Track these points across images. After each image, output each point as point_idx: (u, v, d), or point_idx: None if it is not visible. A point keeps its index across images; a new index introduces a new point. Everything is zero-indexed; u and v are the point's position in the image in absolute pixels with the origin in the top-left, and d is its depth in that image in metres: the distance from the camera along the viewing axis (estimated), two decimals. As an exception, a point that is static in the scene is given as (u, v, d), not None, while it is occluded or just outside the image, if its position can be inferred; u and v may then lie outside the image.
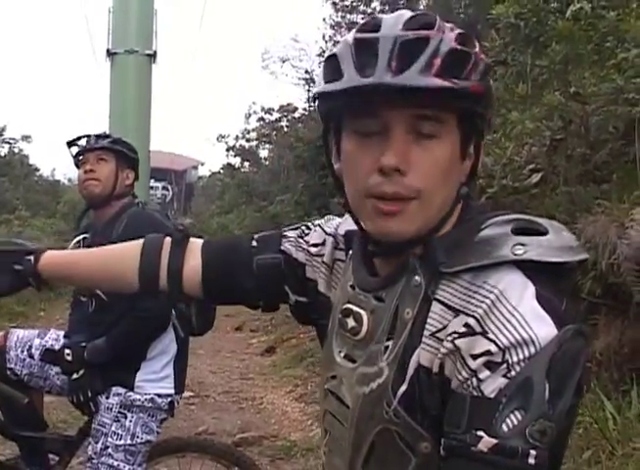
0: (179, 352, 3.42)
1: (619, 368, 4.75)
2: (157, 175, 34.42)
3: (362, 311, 1.23)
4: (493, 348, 1.02)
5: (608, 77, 5.81)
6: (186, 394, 3.55)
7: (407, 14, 1.18)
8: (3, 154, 28.35)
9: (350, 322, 1.25)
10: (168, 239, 1.59)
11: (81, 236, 3.52)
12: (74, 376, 3.17)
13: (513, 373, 1.01)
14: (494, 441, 0.99)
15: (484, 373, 1.02)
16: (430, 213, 1.16)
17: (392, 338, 1.17)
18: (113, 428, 3.18)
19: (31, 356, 3.41)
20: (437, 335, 1.11)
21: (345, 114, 1.19)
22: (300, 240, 1.50)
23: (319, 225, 1.51)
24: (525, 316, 1.03)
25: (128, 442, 3.19)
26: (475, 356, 1.04)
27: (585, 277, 4.90)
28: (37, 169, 32.24)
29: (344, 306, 1.27)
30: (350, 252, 1.38)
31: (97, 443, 3.19)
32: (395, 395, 1.14)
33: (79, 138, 3.49)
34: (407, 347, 1.14)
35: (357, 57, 1.14)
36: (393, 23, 1.15)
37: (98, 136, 3.46)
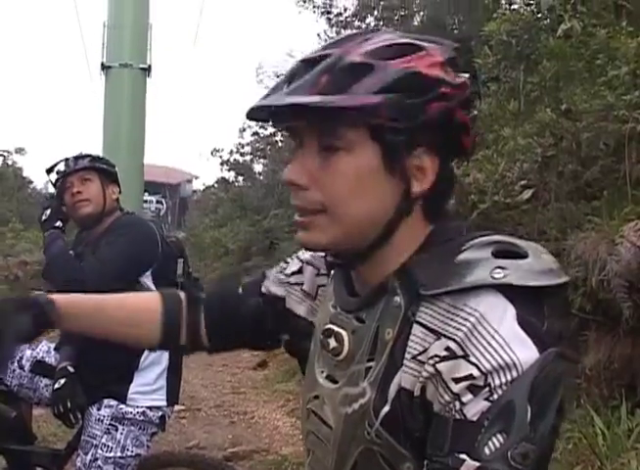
0: (172, 363, 3.41)
1: (609, 384, 4.76)
2: (151, 189, 34.48)
3: (343, 332, 1.24)
4: (475, 372, 1.03)
5: (599, 94, 5.84)
6: (177, 407, 3.54)
7: (351, 34, 1.21)
8: (-3, 166, 28.30)
9: (332, 342, 1.25)
10: (183, 295, 1.62)
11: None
12: (56, 386, 3.13)
13: (495, 396, 1.01)
14: (477, 464, 0.99)
15: (467, 396, 1.03)
16: (344, 227, 1.17)
17: (374, 359, 1.17)
18: (103, 440, 3.17)
19: (22, 368, 3.40)
20: (419, 358, 1.11)
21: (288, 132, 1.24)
22: (280, 274, 1.53)
23: (295, 255, 1.54)
24: (506, 339, 1.03)
25: (118, 454, 3.18)
26: (457, 380, 1.04)
27: (576, 293, 4.92)
28: (31, 182, 32.21)
29: (326, 327, 1.28)
30: (332, 272, 1.39)
31: (86, 454, 3.17)
32: (377, 415, 1.14)
33: (56, 164, 3.45)
34: (388, 368, 1.15)
35: (280, 79, 1.19)
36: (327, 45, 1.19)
37: (76, 157, 3.44)
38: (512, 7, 9.44)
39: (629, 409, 4.44)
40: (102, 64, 9.05)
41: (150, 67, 9.12)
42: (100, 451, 3.16)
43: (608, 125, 5.68)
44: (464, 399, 1.03)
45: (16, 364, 3.40)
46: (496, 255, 1.11)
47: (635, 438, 4.20)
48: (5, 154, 28.25)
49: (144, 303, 1.62)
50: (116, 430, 3.19)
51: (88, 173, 3.38)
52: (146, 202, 37.01)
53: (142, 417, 3.24)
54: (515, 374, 1.01)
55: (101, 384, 3.19)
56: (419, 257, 1.19)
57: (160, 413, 3.31)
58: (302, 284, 1.48)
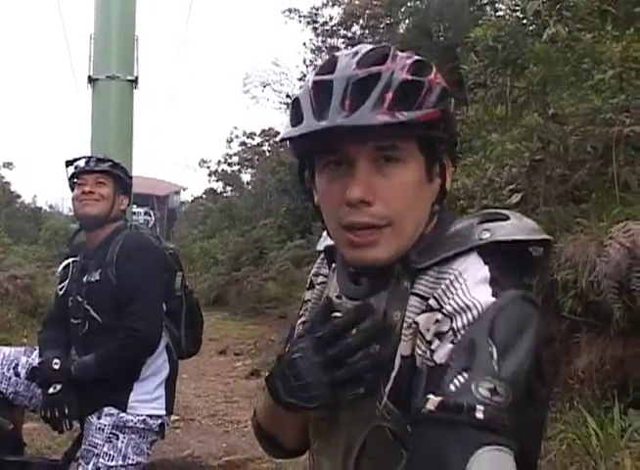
0: (171, 374, 3.44)
1: (601, 385, 4.78)
2: (139, 201, 34.32)
3: None
4: (440, 316, 1.10)
5: (585, 98, 5.89)
6: (171, 417, 3.55)
7: (363, 50, 1.24)
8: (-16, 181, 28.25)
9: None
10: None
11: (70, 259, 3.53)
12: (51, 390, 3.15)
13: (458, 337, 1.06)
14: (440, 398, 1.00)
15: (436, 343, 1.09)
16: (404, 237, 1.22)
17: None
18: (104, 449, 3.18)
19: (17, 375, 3.41)
20: (414, 326, 1.17)
21: (314, 152, 1.26)
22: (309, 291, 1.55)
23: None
24: (469, 287, 1.11)
25: (120, 463, 3.18)
26: (429, 329, 1.11)
27: (566, 296, 4.95)
28: (19, 196, 32.19)
29: (333, 315, 1.28)
30: (334, 264, 1.44)
31: (88, 464, 3.17)
32: (385, 390, 1.18)
33: (77, 159, 3.51)
34: (394, 346, 1.20)
35: (315, 100, 1.20)
36: (347, 62, 1.21)
37: (99, 159, 3.49)
38: (497, 13, 9.52)
39: (622, 410, 4.46)
40: (89, 76, 8.98)
41: (137, 78, 9.05)
42: (102, 460, 3.16)
43: (595, 129, 5.73)
44: (433, 346, 1.09)
45: (12, 371, 3.40)
46: (482, 222, 1.22)
47: (628, 437, 4.22)
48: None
49: None
50: (117, 438, 3.19)
51: (104, 177, 3.42)
52: (134, 213, 36.85)
53: (142, 425, 3.25)
54: (475, 314, 1.07)
55: (101, 392, 3.20)
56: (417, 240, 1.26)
57: (160, 421, 3.33)
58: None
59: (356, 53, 1.23)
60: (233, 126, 41.83)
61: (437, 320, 1.09)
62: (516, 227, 1.20)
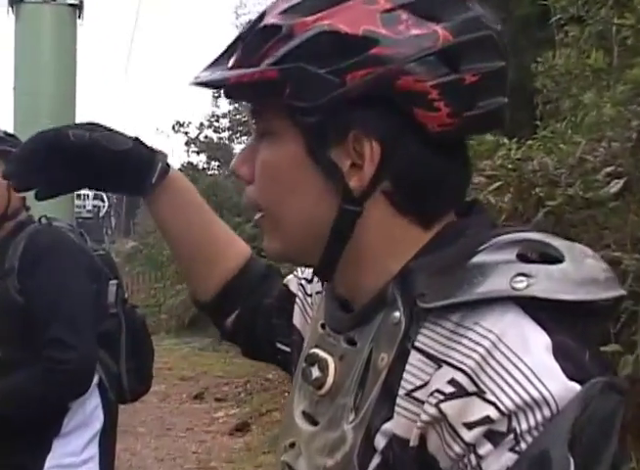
0: (107, 426, 3.44)
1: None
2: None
3: (329, 358, 1.30)
4: (494, 412, 1.04)
5: None
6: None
7: None
8: None
9: (315, 372, 1.31)
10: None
11: None
12: None
13: (523, 445, 1.02)
14: None
15: (485, 447, 1.04)
16: (283, 231, 1.32)
17: (362, 394, 1.22)
18: None
19: None
20: (415, 394, 1.15)
21: None
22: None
23: None
24: (533, 369, 1.05)
25: None
26: (470, 425, 1.05)
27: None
28: None
29: (310, 351, 1.35)
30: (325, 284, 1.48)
31: None
32: None
33: None
34: (378, 407, 1.19)
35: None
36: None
37: None
38: None
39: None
40: (9, -6, 8.82)
41: (81, 3, 8.99)
42: None
43: None
44: (481, 451, 1.04)
45: None
46: (521, 257, 1.15)
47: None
48: None
49: (236, 243, 1.87)
50: None
51: None
52: (79, 197, 36.49)
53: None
54: (548, 414, 1.02)
55: (2, 454, 3.19)
56: (421, 260, 1.25)
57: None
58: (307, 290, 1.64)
59: None
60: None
61: (490, 418, 1.04)
62: (568, 278, 1.12)
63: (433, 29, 1.19)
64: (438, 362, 1.12)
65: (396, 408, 1.16)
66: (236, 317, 1.76)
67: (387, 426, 1.17)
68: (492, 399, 1.04)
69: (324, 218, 1.27)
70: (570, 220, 6.17)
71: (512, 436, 1.03)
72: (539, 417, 1.02)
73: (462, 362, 1.09)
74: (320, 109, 1.21)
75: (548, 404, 1.02)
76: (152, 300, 20.49)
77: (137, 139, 1.65)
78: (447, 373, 1.10)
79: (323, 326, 1.38)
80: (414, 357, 1.16)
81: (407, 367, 1.17)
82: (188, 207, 1.75)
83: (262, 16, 1.26)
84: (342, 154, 1.24)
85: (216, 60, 1.31)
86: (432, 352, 1.14)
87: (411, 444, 1.13)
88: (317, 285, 1.58)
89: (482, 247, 1.18)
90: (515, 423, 1.03)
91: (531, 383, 1.03)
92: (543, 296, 1.09)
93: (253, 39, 1.23)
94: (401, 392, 1.16)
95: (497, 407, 1.04)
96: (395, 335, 1.19)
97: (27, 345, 3.20)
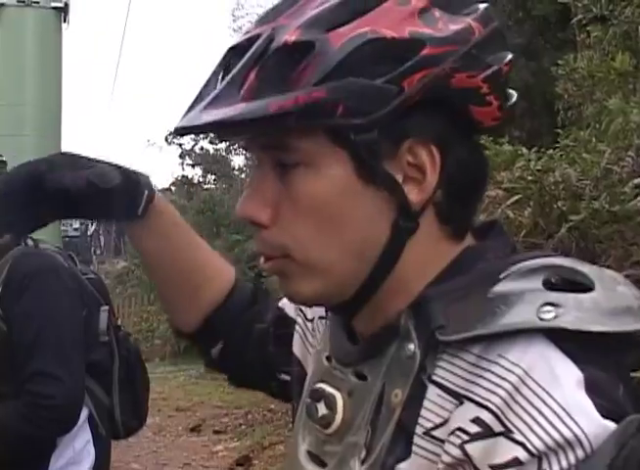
0: (99, 463, 3.42)
1: None
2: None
3: (337, 393, 1.27)
4: (522, 454, 1.02)
5: None
6: None
7: None
8: None
9: (321, 409, 1.29)
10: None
11: None
12: None
13: None
14: None
15: None
16: (322, 276, 1.24)
17: (375, 432, 1.20)
18: None
19: None
20: (434, 433, 1.13)
21: None
22: None
23: None
24: (564, 406, 1.03)
25: None
26: (497, 468, 1.04)
27: None
28: None
29: (315, 386, 1.33)
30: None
31: None
32: None
33: None
34: (393, 447, 1.17)
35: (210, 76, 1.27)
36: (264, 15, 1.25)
37: None
38: None
39: None
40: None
41: (67, 5, 8.99)
42: None
43: None
44: None
45: None
46: (548, 285, 1.14)
47: None
48: None
49: (222, 267, 1.81)
50: None
51: None
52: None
53: None
54: (581, 455, 1.00)
55: None
56: (439, 287, 1.23)
57: None
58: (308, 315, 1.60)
59: None
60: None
61: (518, 459, 1.02)
62: (599, 307, 1.10)
63: (467, 23, 1.20)
64: (459, 398, 1.11)
65: (414, 448, 1.15)
66: (223, 346, 1.73)
67: (402, 467, 1.16)
68: (521, 439, 1.02)
69: (374, 244, 1.23)
70: (595, 236, 6.13)
71: None
72: (572, 458, 1.00)
73: (487, 399, 1.07)
74: (378, 122, 1.17)
75: (581, 444, 1.00)
76: (144, 324, 20.43)
77: (121, 167, 1.58)
78: (470, 410, 1.09)
79: (328, 359, 1.36)
80: (432, 392, 1.15)
81: (425, 403, 1.15)
82: (172, 231, 1.69)
83: (252, 39, 1.20)
84: (396, 167, 1.21)
85: (204, 89, 1.24)
86: (452, 386, 1.13)
87: None
88: (319, 309, 1.53)
89: (505, 274, 1.17)
90: (545, 465, 1.01)
91: (562, 421, 1.02)
92: (573, 327, 1.07)
93: (275, 62, 1.16)
94: (419, 430, 1.15)
95: (526, 448, 1.01)
96: (410, 369, 1.18)
97: (13, 376, 3.17)
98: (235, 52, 1.22)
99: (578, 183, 6.40)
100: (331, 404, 1.27)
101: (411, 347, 1.18)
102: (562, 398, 1.03)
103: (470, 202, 1.30)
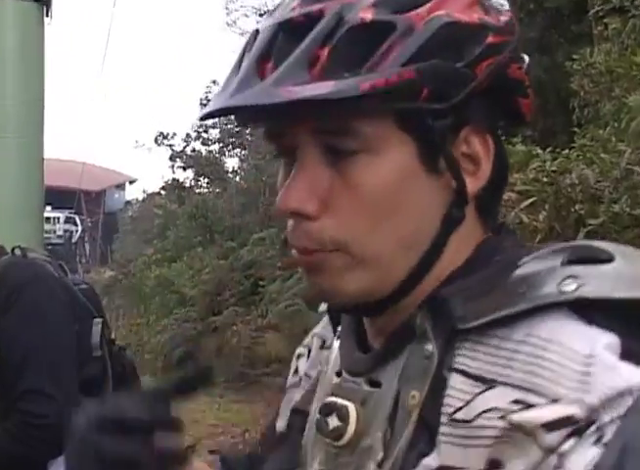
0: None
1: None
2: (57, 200, 34.44)
3: (349, 404, 1.26)
4: (574, 410, 1.05)
5: None
6: None
7: None
8: None
9: (332, 422, 1.27)
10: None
11: None
12: None
13: (609, 437, 1.02)
14: None
15: (567, 444, 1.04)
16: (376, 268, 1.22)
17: (391, 437, 1.21)
18: None
19: None
20: (457, 416, 1.14)
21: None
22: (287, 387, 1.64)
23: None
24: (607, 366, 1.05)
25: None
26: (549, 426, 1.05)
27: None
28: None
29: (326, 401, 1.31)
30: (338, 329, 1.45)
31: None
32: None
33: None
34: (413, 444, 1.18)
35: (238, 60, 1.23)
36: None
37: None
38: None
39: None
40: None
41: (49, -1, 9.09)
42: None
43: None
44: (562, 449, 1.04)
45: None
46: (568, 263, 1.16)
47: None
48: None
49: None
50: None
51: None
52: (48, 220, 36.81)
53: None
54: (630, 401, 1.03)
55: None
56: (456, 284, 1.23)
57: None
58: (298, 371, 1.60)
59: None
60: (211, 80, 41.77)
61: (571, 417, 1.04)
62: (622, 276, 1.13)
63: (510, 16, 1.24)
64: (487, 382, 1.12)
65: (440, 438, 1.15)
66: None
67: (427, 461, 1.16)
68: (572, 398, 1.05)
69: (425, 235, 1.24)
70: (615, 241, 6.07)
71: (594, 428, 1.03)
72: (621, 408, 1.03)
73: (527, 381, 1.09)
74: (454, 108, 1.19)
75: (631, 393, 1.03)
76: (134, 337, 20.48)
77: None
78: (507, 395, 1.10)
79: (338, 374, 1.36)
80: (455, 381, 1.16)
81: (448, 392, 1.16)
82: None
83: (324, 14, 1.15)
84: (456, 154, 1.23)
85: (247, 71, 1.18)
86: (475, 372, 1.15)
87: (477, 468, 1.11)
88: (325, 352, 1.53)
89: (523, 261, 1.20)
90: (595, 416, 1.04)
91: (606, 378, 1.04)
92: (596, 296, 1.10)
93: (349, 41, 1.13)
94: (443, 419, 1.15)
95: (577, 405, 1.04)
96: (428, 369, 1.19)
97: (3, 395, 3.18)
98: (288, 31, 1.17)
99: (597, 185, 6.47)
100: (343, 416, 1.26)
101: (429, 347, 1.20)
102: (601, 362, 1.05)
103: (501, 197, 1.36)
